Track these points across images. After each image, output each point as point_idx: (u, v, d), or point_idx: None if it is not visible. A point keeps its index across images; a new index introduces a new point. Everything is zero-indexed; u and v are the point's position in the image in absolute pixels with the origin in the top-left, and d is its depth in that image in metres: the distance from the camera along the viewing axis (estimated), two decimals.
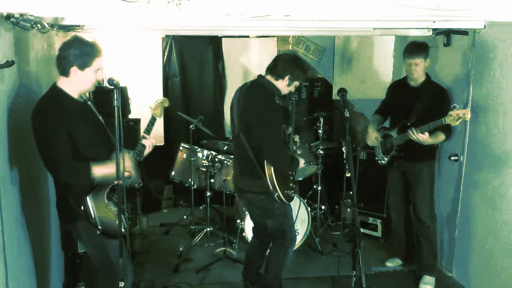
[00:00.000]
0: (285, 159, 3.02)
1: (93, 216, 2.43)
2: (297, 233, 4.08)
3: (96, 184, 2.46)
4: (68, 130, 2.33)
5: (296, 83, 3.03)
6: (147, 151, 2.67)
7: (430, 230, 3.67)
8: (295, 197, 4.01)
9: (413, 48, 3.46)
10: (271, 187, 2.96)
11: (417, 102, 3.47)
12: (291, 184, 3.16)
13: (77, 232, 2.59)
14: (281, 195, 2.99)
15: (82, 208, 2.43)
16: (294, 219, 3.43)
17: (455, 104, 3.18)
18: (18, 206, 2.45)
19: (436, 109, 3.33)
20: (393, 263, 4.03)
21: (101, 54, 2.43)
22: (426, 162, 3.62)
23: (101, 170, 2.40)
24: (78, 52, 2.34)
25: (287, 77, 2.96)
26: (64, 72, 2.39)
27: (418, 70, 3.45)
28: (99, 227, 2.44)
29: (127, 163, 2.51)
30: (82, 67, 2.36)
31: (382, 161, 3.78)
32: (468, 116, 3.08)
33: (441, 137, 3.39)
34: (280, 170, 3.00)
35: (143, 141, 2.66)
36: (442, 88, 3.53)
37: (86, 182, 2.40)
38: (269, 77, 3.02)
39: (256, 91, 3.03)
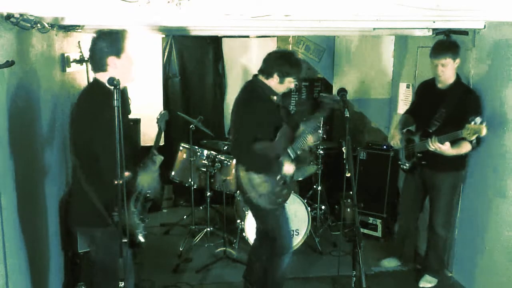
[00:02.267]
0: (250, 160, 2.91)
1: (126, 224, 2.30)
2: (297, 233, 4.10)
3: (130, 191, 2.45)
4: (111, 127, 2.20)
5: (290, 79, 2.92)
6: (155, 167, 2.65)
7: (442, 240, 3.55)
8: (295, 197, 3.98)
9: (440, 47, 3.22)
10: (244, 188, 2.95)
11: (442, 106, 3.24)
12: (276, 189, 2.99)
13: (94, 238, 2.49)
14: (251, 197, 2.95)
15: (113, 214, 2.32)
16: (289, 227, 3.20)
17: (473, 117, 2.92)
18: (15, 207, 2.43)
19: (461, 114, 3.06)
20: (390, 264, 3.99)
21: (127, 36, 2.39)
22: (450, 173, 3.38)
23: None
24: (108, 40, 2.32)
25: (275, 75, 2.90)
26: (102, 67, 2.35)
27: (446, 71, 3.19)
28: (127, 236, 2.31)
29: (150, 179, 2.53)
30: (118, 54, 2.34)
31: (404, 166, 3.62)
32: (484, 132, 2.86)
33: (466, 146, 3.11)
34: (251, 170, 2.92)
35: (154, 158, 2.63)
36: (470, 90, 3.28)
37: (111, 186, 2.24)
38: (260, 77, 2.99)
39: (242, 92, 3.05)
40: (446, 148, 3.08)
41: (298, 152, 3.06)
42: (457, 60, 3.21)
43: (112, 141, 2.14)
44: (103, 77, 2.36)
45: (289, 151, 3.03)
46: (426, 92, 3.50)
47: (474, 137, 2.93)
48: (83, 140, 2.35)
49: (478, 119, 2.91)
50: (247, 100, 2.96)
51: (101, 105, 2.28)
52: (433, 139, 3.10)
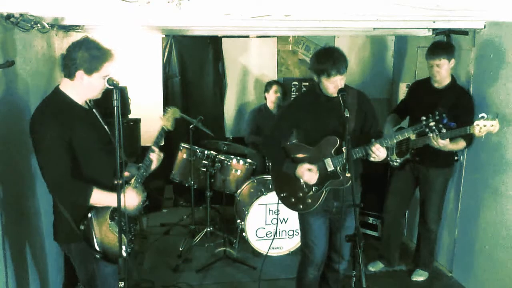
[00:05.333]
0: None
1: (93, 238, 2.19)
2: (297, 233, 4.10)
3: None
4: (69, 140, 2.11)
5: (325, 78, 2.58)
6: (154, 166, 2.49)
7: (434, 233, 3.67)
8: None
9: (436, 48, 3.28)
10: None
11: (439, 105, 3.18)
12: (299, 193, 2.82)
13: (71, 253, 2.34)
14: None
15: (82, 228, 2.18)
16: (321, 239, 2.90)
17: (483, 114, 2.89)
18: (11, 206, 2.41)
19: (458, 114, 3.07)
20: (374, 267, 3.96)
21: (112, 59, 2.21)
22: (442, 169, 3.51)
23: (100, 198, 2.16)
24: (87, 55, 2.12)
25: (314, 75, 2.69)
26: (69, 75, 2.16)
27: (441, 71, 3.26)
28: (99, 251, 2.20)
29: (136, 197, 2.31)
30: (89, 71, 2.14)
31: (395, 162, 3.66)
32: (497, 128, 2.86)
33: (461, 144, 3.19)
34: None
35: (151, 155, 2.45)
36: (466, 92, 3.38)
37: (81, 204, 2.17)
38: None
39: None
40: (445, 143, 3.08)
41: (338, 167, 2.71)
42: (452, 61, 3.27)
43: (54, 158, 2.07)
44: (67, 85, 2.19)
45: (325, 161, 2.73)
46: (422, 91, 3.53)
47: (484, 134, 2.92)
48: (40, 155, 2.15)
49: (487, 115, 2.90)
50: (293, 99, 2.98)
51: (48, 119, 2.10)
52: (435, 135, 3.05)
